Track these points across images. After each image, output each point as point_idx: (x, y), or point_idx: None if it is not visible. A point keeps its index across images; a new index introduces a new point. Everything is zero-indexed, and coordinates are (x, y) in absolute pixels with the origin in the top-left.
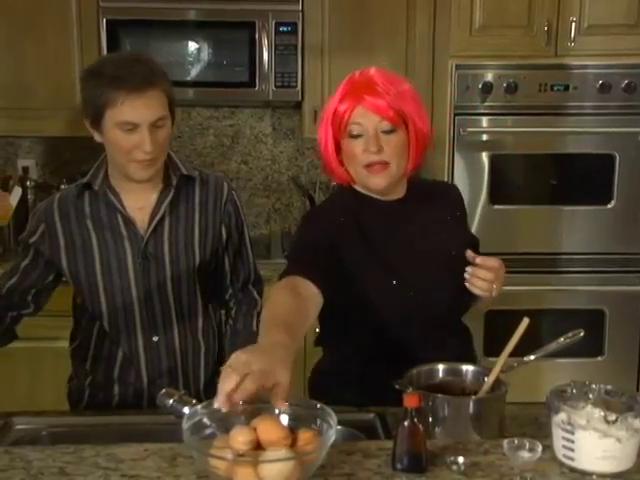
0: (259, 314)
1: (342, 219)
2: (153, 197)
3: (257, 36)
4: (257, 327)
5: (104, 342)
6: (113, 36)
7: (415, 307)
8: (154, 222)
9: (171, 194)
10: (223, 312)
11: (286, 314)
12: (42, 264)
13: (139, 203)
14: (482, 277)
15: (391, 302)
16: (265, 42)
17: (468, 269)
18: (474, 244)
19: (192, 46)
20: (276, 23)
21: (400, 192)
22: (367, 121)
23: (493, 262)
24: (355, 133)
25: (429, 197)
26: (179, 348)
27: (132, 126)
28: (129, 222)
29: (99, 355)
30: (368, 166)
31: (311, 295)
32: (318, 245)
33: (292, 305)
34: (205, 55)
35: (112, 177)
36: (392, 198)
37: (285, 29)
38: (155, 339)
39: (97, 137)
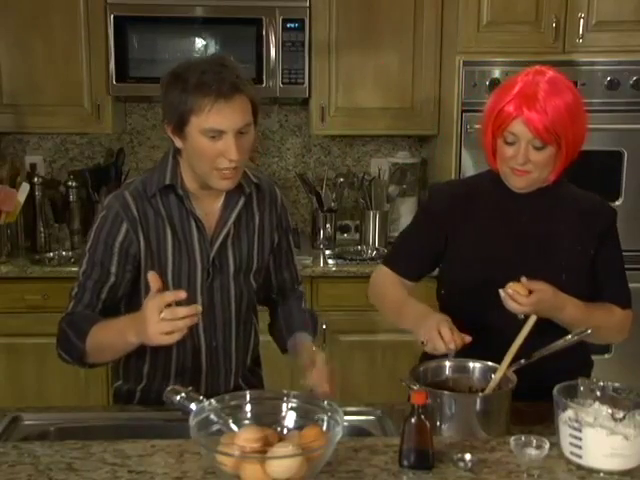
0: (305, 302)
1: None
2: (219, 204)
3: (264, 33)
4: (307, 308)
5: (161, 347)
6: (120, 33)
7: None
8: (225, 229)
9: (241, 202)
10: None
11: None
12: (131, 265)
13: (206, 209)
14: (517, 292)
15: (482, 286)
16: (272, 39)
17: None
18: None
19: (199, 43)
20: (283, 20)
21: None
22: (521, 134)
23: (536, 286)
24: (509, 141)
25: (567, 201)
26: (235, 352)
27: (218, 133)
28: (201, 228)
29: (155, 361)
30: (512, 168)
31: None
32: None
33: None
34: (212, 52)
35: (186, 181)
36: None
37: (292, 26)
38: (214, 344)
39: (178, 143)
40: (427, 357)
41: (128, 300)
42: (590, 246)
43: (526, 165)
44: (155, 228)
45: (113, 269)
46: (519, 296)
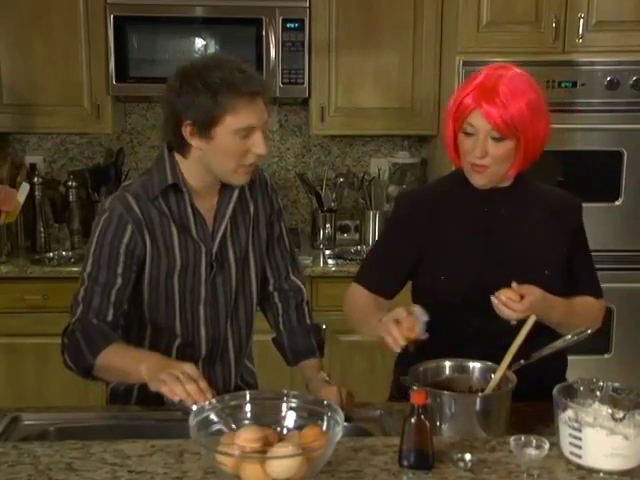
0: (308, 303)
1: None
2: (215, 199)
3: (264, 33)
4: (310, 320)
5: (158, 345)
6: (120, 33)
7: (473, 296)
8: (224, 223)
9: (236, 194)
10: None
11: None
12: (135, 267)
13: (206, 205)
14: (510, 299)
15: (452, 289)
16: (272, 39)
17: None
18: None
19: (199, 43)
20: (283, 20)
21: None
22: (480, 125)
23: (527, 290)
24: (468, 132)
25: (536, 198)
26: (232, 347)
27: (249, 130)
28: (203, 224)
29: None
30: (472, 164)
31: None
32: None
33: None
34: (212, 52)
35: (188, 179)
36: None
37: (292, 26)
38: (215, 337)
39: (196, 143)
40: (403, 358)
41: (132, 300)
42: (564, 241)
43: (484, 159)
44: (161, 228)
45: (119, 271)
46: (512, 302)
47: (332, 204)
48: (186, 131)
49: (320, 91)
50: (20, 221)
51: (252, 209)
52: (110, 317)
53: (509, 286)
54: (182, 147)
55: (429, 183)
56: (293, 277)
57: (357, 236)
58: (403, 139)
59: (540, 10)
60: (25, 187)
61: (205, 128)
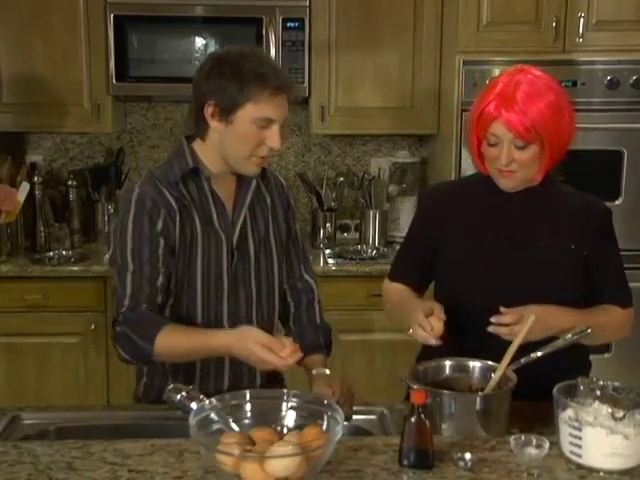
0: (320, 302)
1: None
2: (233, 188)
3: (264, 32)
4: (321, 318)
5: None
6: (120, 32)
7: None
8: (243, 211)
9: (254, 184)
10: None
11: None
12: (169, 253)
13: (224, 193)
14: (510, 329)
15: (472, 285)
16: (272, 38)
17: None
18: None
19: (199, 42)
20: (283, 19)
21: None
22: (502, 134)
23: (522, 311)
24: (491, 142)
25: (560, 200)
26: None
27: (267, 123)
28: (223, 211)
29: (180, 364)
30: (498, 170)
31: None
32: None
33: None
34: (212, 51)
35: (208, 165)
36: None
37: (292, 25)
38: (237, 326)
39: (215, 125)
40: (424, 355)
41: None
42: (585, 246)
43: (510, 165)
44: (188, 215)
45: (161, 259)
46: (512, 327)
47: (332, 203)
48: (208, 112)
49: (320, 90)
50: (20, 220)
51: (269, 201)
52: (160, 300)
53: (526, 288)
54: (201, 128)
55: (455, 180)
56: (306, 276)
57: (357, 235)
58: (403, 138)
59: (540, 10)
60: (25, 186)
61: (226, 112)
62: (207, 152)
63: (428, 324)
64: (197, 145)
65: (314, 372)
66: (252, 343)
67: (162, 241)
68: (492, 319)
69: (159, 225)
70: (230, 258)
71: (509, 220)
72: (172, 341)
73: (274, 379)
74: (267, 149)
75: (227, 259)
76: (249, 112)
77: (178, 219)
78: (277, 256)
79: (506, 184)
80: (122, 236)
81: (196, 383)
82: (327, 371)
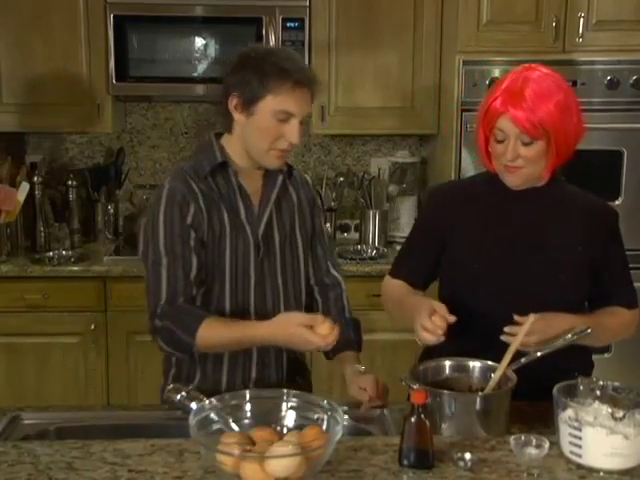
0: (347, 298)
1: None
2: (259, 182)
3: (264, 32)
4: (350, 314)
5: None
6: (120, 32)
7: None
8: (269, 206)
9: (280, 179)
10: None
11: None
12: (199, 245)
13: (251, 188)
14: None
15: (476, 285)
16: (272, 38)
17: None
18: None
19: (199, 42)
20: (283, 19)
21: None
22: (509, 130)
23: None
24: (498, 138)
25: (567, 200)
26: None
27: (287, 116)
28: (250, 205)
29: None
30: (505, 165)
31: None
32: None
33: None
34: (212, 51)
35: (235, 159)
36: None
37: (292, 25)
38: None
39: (238, 117)
40: (426, 355)
41: None
42: (592, 247)
43: (517, 161)
44: (216, 208)
45: (193, 251)
46: (524, 339)
47: (332, 203)
48: (232, 103)
49: (320, 90)
50: (20, 220)
51: (295, 198)
52: (194, 291)
53: (530, 288)
54: (227, 121)
55: (462, 178)
56: (333, 271)
57: (357, 235)
58: (403, 138)
59: (540, 10)
60: (25, 186)
61: (248, 103)
62: (234, 146)
63: (436, 327)
64: (225, 140)
65: (349, 370)
66: (294, 327)
67: (193, 234)
68: (506, 329)
69: (189, 218)
70: (256, 252)
71: (515, 220)
72: (213, 334)
73: (298, 369)
74: (287, 143)
75: (254, 253)
76: (269, 104)
77: (207, 212)
78: (303, 252)
79: (512, 180)
80: (154, 231)
81: (224, 374)
82: (362, 368)
